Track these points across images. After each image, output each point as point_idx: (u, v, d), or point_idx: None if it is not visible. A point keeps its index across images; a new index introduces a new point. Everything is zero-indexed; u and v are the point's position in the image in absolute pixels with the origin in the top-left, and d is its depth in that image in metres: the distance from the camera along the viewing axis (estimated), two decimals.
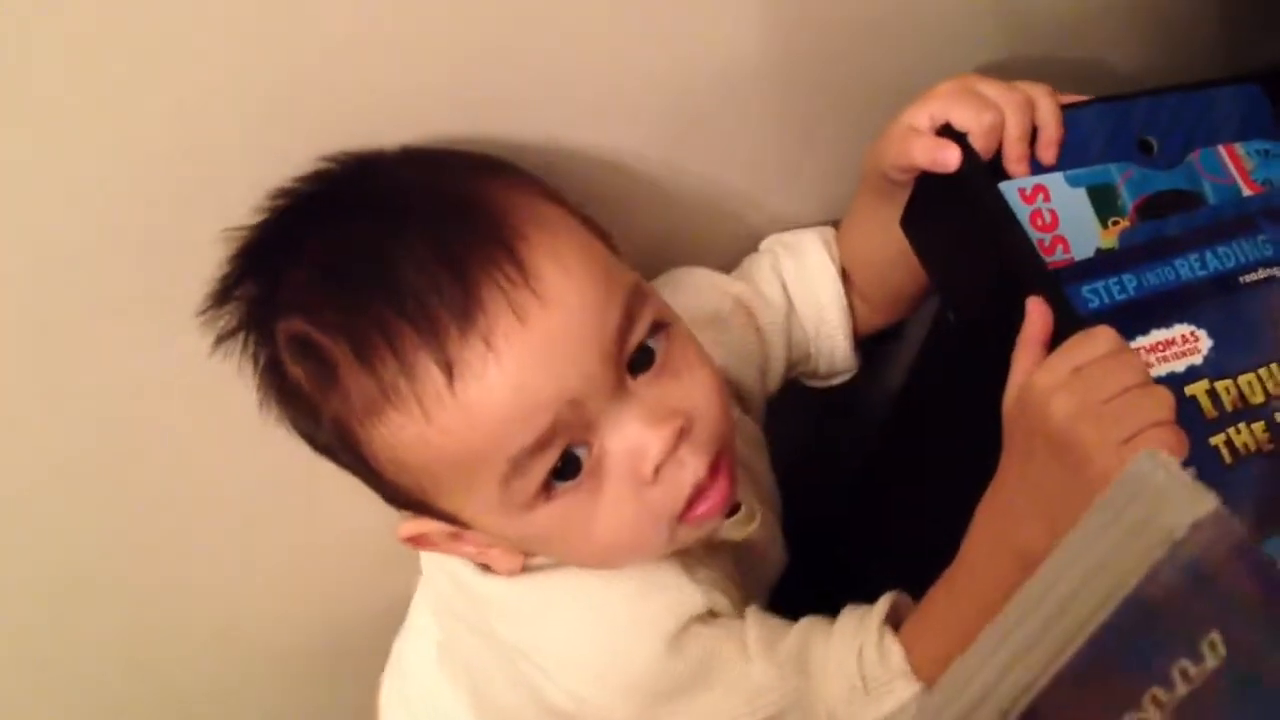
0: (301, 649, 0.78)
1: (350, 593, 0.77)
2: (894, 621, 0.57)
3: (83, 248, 0.54)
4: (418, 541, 0.58)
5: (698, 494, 0.55)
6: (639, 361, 0.54)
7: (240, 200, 0.55)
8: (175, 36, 0.50)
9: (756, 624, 0.59)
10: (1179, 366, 0.54)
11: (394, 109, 0.57)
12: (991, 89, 0.58)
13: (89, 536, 0.65)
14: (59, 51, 0.48)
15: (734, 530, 0.63)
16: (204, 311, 0.55)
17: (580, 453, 0.53)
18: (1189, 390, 0.53)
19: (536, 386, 0.50)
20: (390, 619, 0.73)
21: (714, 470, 0.55)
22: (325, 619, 0.78)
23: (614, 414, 0.52)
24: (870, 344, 0.74)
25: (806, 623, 0.60)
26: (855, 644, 0.56)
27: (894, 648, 0.55)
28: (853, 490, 0.85)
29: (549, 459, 0.52)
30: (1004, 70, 0.71)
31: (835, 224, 0.72)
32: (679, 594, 0.59)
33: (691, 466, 0.54)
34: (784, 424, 0.73)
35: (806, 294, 0.70)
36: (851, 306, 0.71)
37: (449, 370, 0.49)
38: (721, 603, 0.60)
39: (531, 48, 0.58)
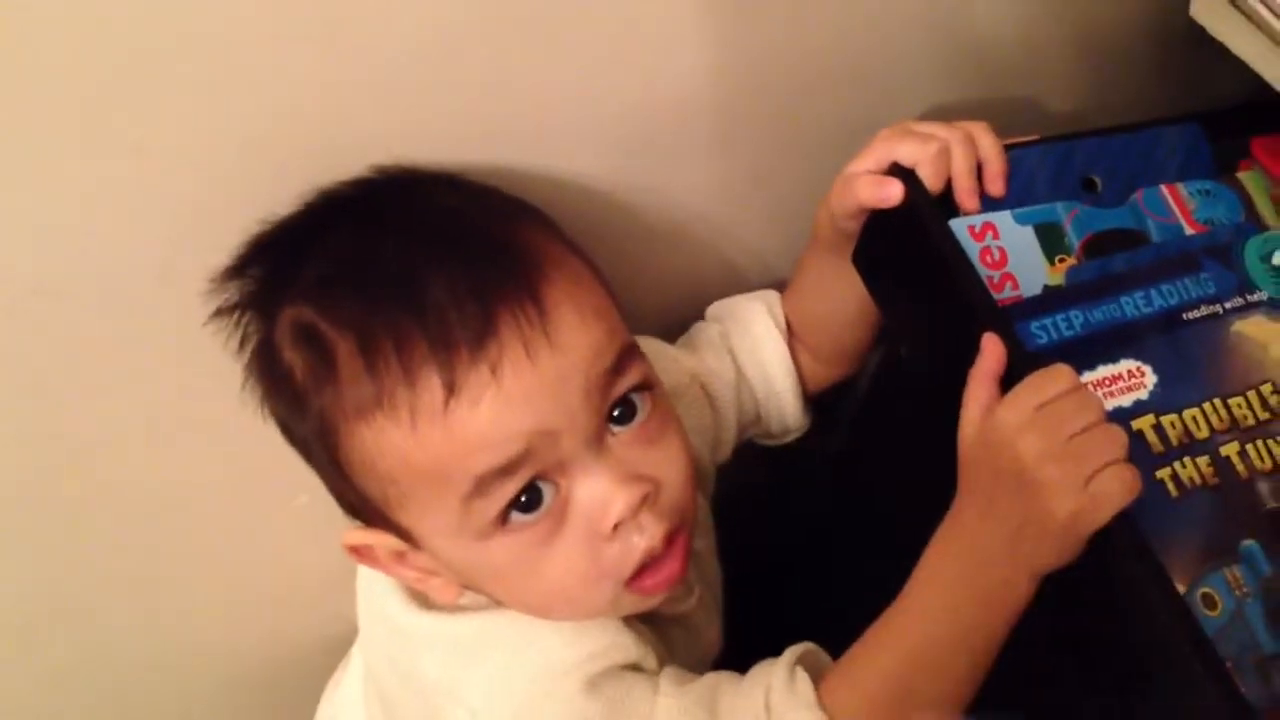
0: (243, 680, 0.77)
1: (292, 625, 0.76)
2: (808, 667, 0.57)
3: (51, 277, 0.54)
4: (360, 553, 0.58)
5: (650, 563, 0.56)
6: (621, 415, 0.55)
7: (221, 233, 0.55)
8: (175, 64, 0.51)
9: (671, 670, 0.60)
10: (1126, 401, 0.55)
11: (358, 141, 0.57)
12: (931, 126, 0.60)
13: (39, 569, 0.64)
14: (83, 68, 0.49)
15: (671, 605, 0.63)
16: (212, 283, 0.56)
17: (545, 489, 0.53)
18: (1135, 425, 0.54)
19: (520, 416, 0.51)
20: (331, 652, 0.73)
21: (669, 542, 0.56)
22: (267, 651, 0.77)
23: (587, 462, 0.53)
24: (822, 398, 0.74)
25: (719, 672, 0.60)
26: (764, 681, 0.56)
27: (803, 682, 0.55)
28: (800, 527, 0.85)
29: (514, 485, 0.52)
30: (951, 112, 0.73)
31: (783, 259, 0.73)
32: (616, 639, 0.59)
33: (649, 532, 0.55)
34: (731, 463, 0.73)
35: (754, 363, 0.71)
36: (801, 365, 0.72)
37: (450, 389, 0.50)
38: (650, 662, 0.60)
39: (485, 78, 0.59)
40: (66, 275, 0.54)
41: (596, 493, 0.54)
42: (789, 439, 0.75)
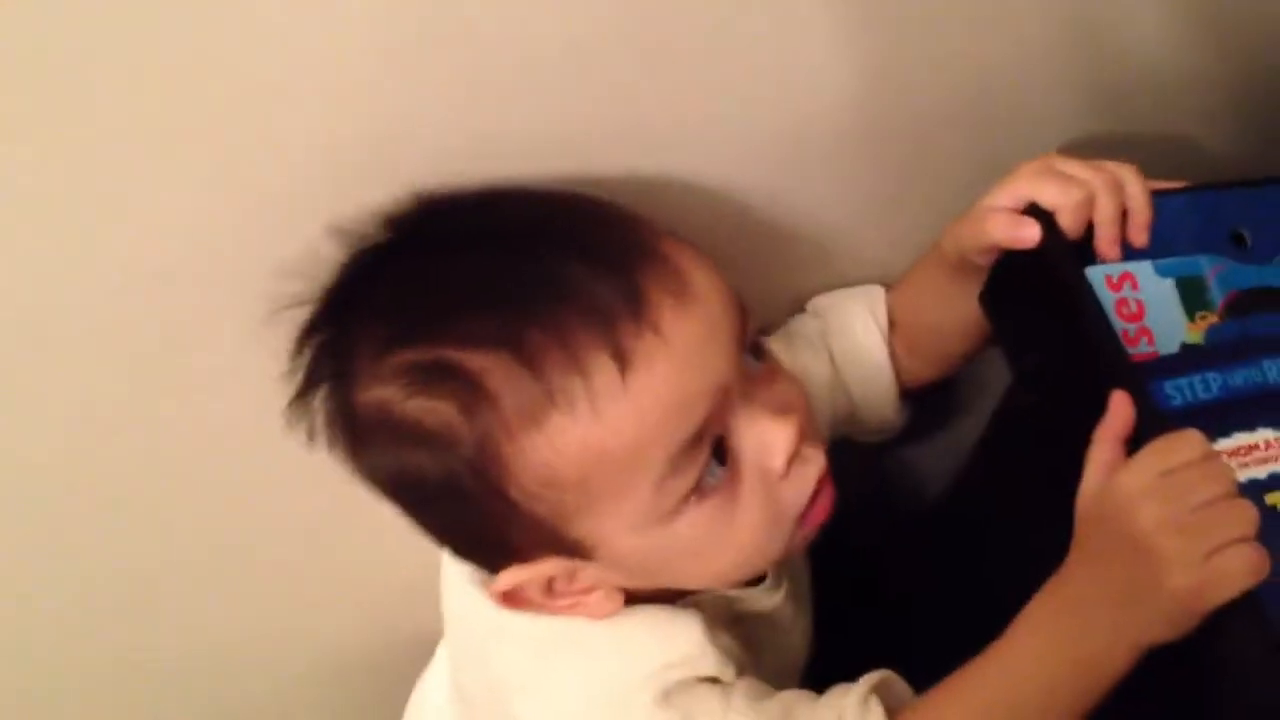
0: (333, 673, 0.78)
1: (387, 620, 0.76)
2: (884, 697, 0.55)
3: (172, 263, 0.54)
4: (511, 598, 0.56)
5: (815, 492, 0.56)
6: (753, 358, 0.55)
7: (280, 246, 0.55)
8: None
9: (746, 683, 0.58)
10: (1260, 473, 0.52)
11: (489, 141, 0.57)
12: (1077, 168, 0.57)
13: (131, 558, 0.65)
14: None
15: (760, 600, 0.63)
16: (285, 370, 0.55)
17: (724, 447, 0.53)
18: (1270, 499, 0.51)
19: (696, 375, 0.51)
20: (420, 648, 0.73)
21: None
22: (358, 645, 0.77)
23: (743, 410, 0.53)
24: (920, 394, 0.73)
25: (791, 692, 0.59)
26: (837, 707, 0.55)
27: (876, 711, 0.54)
28: (900, 561, 0.83)
29: (703, 453, 0.52)
30: (1092, 146, 0.70)
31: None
32: (696, 651, 0.57)
33: (815, 461, 0.56)
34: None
35: (852, 364, 0.70)
36: (900, 361, 0.70)
37: (623, 360, 0.49)
38: (729, 672, 0.58)
39: (637, 91, 0.58)
40: (188, 262, 0.54)
41: (760, 436, 0.53)
42: (885, 436, 0.74)
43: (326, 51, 0.50)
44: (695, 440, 0.51)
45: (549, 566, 0.55)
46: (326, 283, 0.55)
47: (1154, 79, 0.71)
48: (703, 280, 0.52)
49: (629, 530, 0.53)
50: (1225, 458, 0.52)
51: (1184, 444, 0.49)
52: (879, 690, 0.55)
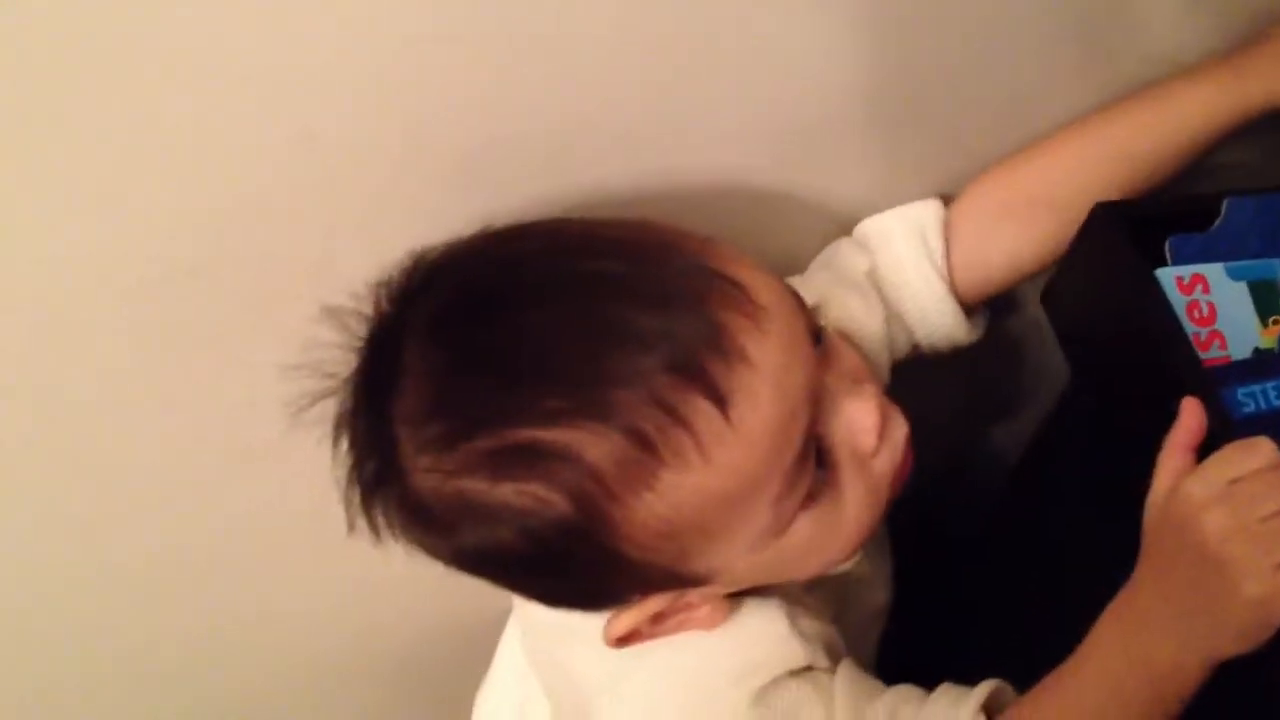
0: (406, 654, 0.79)
1: (455, 603, 0.76)
2: (990, 709, 0.54)
3: (211, 260, 0.54)
4: (628, 640, 0.55)
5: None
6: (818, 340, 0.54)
7: (382, 231, 0.54)
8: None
9: (846, 684, 0.57)
10: None
11: (516, 137, 0.56)
12: None
13: (134, 555, 0.65)
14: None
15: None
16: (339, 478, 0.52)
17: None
18: None
19: (790, 388, 0.49)
20: (492, 631, 0.73)
21: None
22: (432, 626, 0.78)
23: (825, 401, 0.52)
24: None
25: (897, 693, 0.57)
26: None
27: None
28: (967, 543, 0.82)
29: (810, 460, 0.51)
30: None
31: None
32: (782, 647, 0.57)
33: (897, 422, 0.55)
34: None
35: (911, 301, 0.67)
36: (1008, 246, 0.65)
37: (721, 400, 0.47)
38: (820, 657, 0.58)
39: (644, 84, 0.57)
40: (211, 258, 0.54)
41: (848, 423, 0.53)
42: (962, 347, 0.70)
43: (332, 52, 0.50)
44: (804, 452, 0.50)
45: (656, 602, 0.54)
46: (353, 378, 0.52)
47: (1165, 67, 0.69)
48: (764, 288, 0.50)
49: (747, 552, 0.52)
50: None
51: (1254, 452, 0.47)
52: (988, 704, 0.54)
